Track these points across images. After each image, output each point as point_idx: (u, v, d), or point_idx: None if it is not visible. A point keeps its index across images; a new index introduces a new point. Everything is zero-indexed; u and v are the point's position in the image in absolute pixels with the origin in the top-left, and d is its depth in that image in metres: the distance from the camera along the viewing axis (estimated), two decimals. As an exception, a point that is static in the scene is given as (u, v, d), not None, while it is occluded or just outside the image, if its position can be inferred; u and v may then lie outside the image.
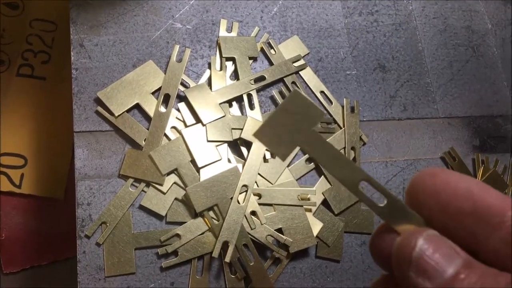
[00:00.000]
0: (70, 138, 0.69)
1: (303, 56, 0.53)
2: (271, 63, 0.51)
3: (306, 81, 0.52)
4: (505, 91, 0.58)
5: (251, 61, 0.51)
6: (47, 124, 0.69)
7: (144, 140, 0.45)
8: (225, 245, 0.43)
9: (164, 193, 0.44)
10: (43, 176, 0.66)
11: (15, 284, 0.63)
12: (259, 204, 0.46)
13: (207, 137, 0.46)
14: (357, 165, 0.25)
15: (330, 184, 0.48)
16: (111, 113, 0.45)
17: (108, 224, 0.43)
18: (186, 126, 0.46)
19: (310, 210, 0.47)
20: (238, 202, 0.45)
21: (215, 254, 0.43)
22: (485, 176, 0.53)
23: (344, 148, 0.50)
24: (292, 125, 0.25)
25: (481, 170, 0.53)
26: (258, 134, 0.25)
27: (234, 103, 0.49)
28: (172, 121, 0.46)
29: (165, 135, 0.46)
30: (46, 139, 0.68)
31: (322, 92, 0.52)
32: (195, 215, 0.45)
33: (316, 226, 0.47)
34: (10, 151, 0.66)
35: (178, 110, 0.47)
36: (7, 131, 0.66)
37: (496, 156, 0.55)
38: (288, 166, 0.48)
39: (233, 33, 0.51)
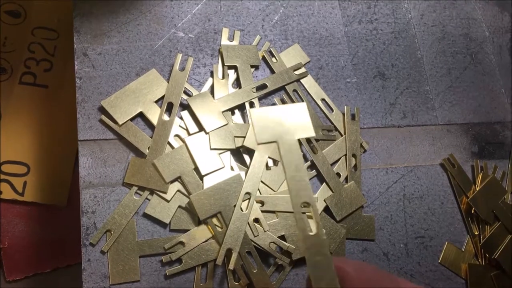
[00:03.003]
0: (72, 146, 0.69)
1: (304, 64, 0.53)
2: (272, 71, 0.52)
3: (307, 89, 0.52)
4: (503, 98, 0.59)
5: (253, 69, 0.51)
6: (50, 132, 0.69)
7: (148, 148, 0.46)
8: (229, 252, 0.44)
9: (168, 201, 0.45)
10: (46, 183, 0.66)
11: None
12: (262, 211, 0.46)
13: (210, 145, 0.46)
14: (310, 187, 0.27)
15: (332, 191, 0.49)
16: (115, 122, 0.46)
17: (112, 232, 0.43)
18: (189, 134, 0.47)
19: (312, 217, 0.47)
20: (241, 210, 0.45)
21: (219, 261, 0.43)
22: (484, 182, 0.53)
23: (345, 155, 0.50)
24: (285, 125, 0.28)
25: (480, 177, 0.54)
26: (254, 112, 0.28)
27: (236, 111, 0.49)
28: (176, 129, 0.47)
29: (169, 143, 0.46)
30: (48, 146, 0.68)
31: (323, 99, 0.52)
32: (198, 222, 0.45)
33: (318, 233, 0.47)
34: (12, 159, 0.66)
35: (181, 118, 0.47)
36: (9, 139, 0.66)
37: (495, 162, 0.56)
38: (290, 173, 0.48)
39: (235, 42, 0.52)
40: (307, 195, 0.27)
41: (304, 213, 0.28)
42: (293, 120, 0.28)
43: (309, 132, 0.29)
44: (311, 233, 0.26)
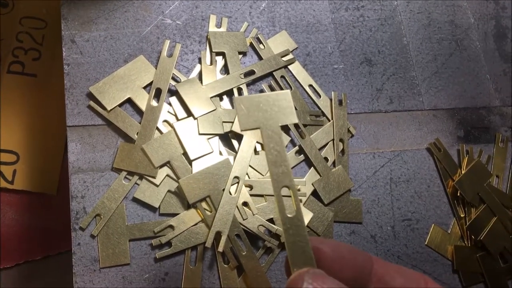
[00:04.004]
0: (61, 134, 0.69)
1: (292, 51, 0.54)
2: (260, 58, 0.52)
3: (295, 75, 0.53)
4: (487, 84, 0.60)
5: (240, 55, 0.52)
6: (39, 121, 0.69)
7: (137, 134, 0.46)
8: (218, 235, 0.44)
9: (157, 186, 0.45)
10: (36, 172, 0.66)
11: (9, 278, 0.63)
12: (251, 195, 0.47)
13: (198, 130, 0.47)
14: (291, 171, 0.28)
15: (320, 175, 0.50)
16: (104, 108, 0.46)
17: (102, 216, 0.44)
18: (177, 119, 0.47)
19: (300, 201, 0.48)
20: (230, 193, 0.45)
21: (208, 244, 0.44)
22: (469, 166, 0.54)
23: (333, 140, 0.51)
24: (268, 112, 0.29)
25: (466, 160, 0.55)
26: (237, 99, 0.29)
27: (224, 96, 0.50)
28: (164, 114, 0.47)
29: (157, 128, 0.47)
30: (37, 135, 0.68)
31: (310, 85, 0.53)
32: (188, 206, 0.45)
33: (307, 216, 0.48)
34: (2, 147, 0.66)
35: (170, 104, 0.48)
36: (-2, 128, 0.67)
37: (480, 147, 0.57)
38: (278, 158, 0.49)
39: (223, 29, 0.52)
40: (288, 180, 0.28)
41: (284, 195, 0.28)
42: (277, 107, 0.29)
43: (292, 118, 0.29)
44: (290, 215, 0.27)
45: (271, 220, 0.46)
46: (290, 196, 0.28)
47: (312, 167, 0.50)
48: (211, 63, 0.50)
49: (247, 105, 0.29)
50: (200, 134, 0.47)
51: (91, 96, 0.46)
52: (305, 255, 0.26)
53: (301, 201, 0.48)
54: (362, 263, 0.28)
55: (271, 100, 0.29)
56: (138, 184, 0.45)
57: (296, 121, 0.30)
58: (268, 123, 0.29)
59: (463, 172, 0.54)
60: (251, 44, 0.52)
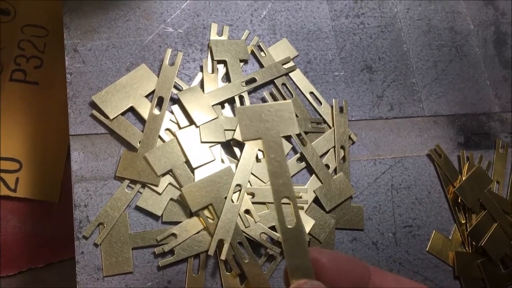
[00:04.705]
0: (64, 142, 0.69)
1: (293, 58, 0.54)
2: (261, 66, 0.53)
3: (296, 83, 0.53)
4: (487, 90, 0.60)
5: (242, 63, 0.52)
6: (41, 128, 0.69)
7: (139, 142, 0.46)
8: (220, 243, 0.44)
9: (159, 194, 0.45)
10: (38, 179, 0.67)
11: (12, 286, 0.63)
12: (253, 202, 0.47)
13: (200, 138, 0.47)
14: (291, 182, 0.28)
15: (321, 183, 0.50)
16: (106, 116, 0.46)
17: (105, 225, 0.44)
18: (180, 128, 0.48)
19: (302, 208, 0.48)
20: (232, 201, 0.46)
21: (211, 252, 0.44)
22: (470, 172, 0.54)
23: (334, 147, 0.51)
24: (270, 123, 0.29)
25: (466, 167, 0.55)
26: (240, 110, 0.29)
27: (226, 104, 0.50)
28: (166, 123, 0.48)
29: (160, 137, 0.47)
30: (40, 143, 0.68)
31: (311, 93, 0.53)
32: (190, 214, 0.46)
33: (308, 223, 0.48)
34: (4, 155, 0.66)
35: (172, 112, 0.48)
36: (1, 136, 0.67)
37: (481, 153, 0.57)
38: (280, 165, 0.49)
39: (224, 37, 0.53)
40: (288, 190, 0.28)
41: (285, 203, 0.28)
42: (278, 118, 0.29)
43: (294, 129, 0.29)
44: (290, 226, 0.27)
45: (273, 228, 0.47)
46: (290, 206, 0.28)
47: (314, 174, 0.50)
48: (213, 71, 0.50)
49: (249, 115, 0.29)
50: (202, 142, 0.47)
51: (93, 105, 0.47)
52: (304, 266, 0.27)
53: (302, 208, 0.48)
54: (360, 273, 0.28)
55: (273, 110, 0.29)
56: (141, 193, 0.45)
57: (298, 132, 0.30)
58: (269, 133, 0.29)
59: (463, 178, 0.54)
60: (252, 52, 0.53)
